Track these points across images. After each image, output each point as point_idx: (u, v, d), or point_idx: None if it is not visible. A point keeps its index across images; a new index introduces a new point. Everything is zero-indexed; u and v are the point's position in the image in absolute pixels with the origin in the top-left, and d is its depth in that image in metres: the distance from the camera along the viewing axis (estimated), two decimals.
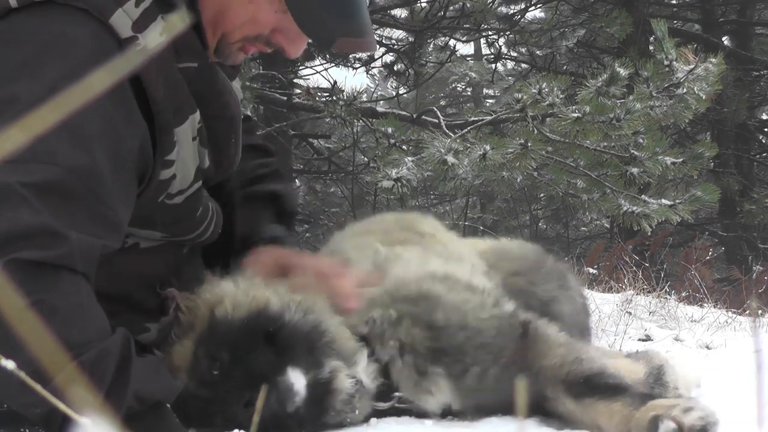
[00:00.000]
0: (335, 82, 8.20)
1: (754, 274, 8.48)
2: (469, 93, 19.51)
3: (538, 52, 12.41)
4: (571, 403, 1.98)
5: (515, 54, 13.12)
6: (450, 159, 4.92)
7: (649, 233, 6.03)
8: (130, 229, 1.93)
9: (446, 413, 2.09)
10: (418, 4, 9.89)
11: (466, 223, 10.89)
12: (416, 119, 6.62)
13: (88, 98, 0.59)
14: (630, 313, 4.42)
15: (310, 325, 1.97)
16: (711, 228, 13.23)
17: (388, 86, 13.98)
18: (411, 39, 10.10)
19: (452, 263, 2.35)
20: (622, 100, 4.99)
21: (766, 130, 14.50)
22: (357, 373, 1.97)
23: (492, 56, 12.43)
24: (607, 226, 14.08)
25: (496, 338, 2.07)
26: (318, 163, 11.11)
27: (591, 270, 7.20)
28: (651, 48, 9.10)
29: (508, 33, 11.21)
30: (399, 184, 5.11)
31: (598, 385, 1.96)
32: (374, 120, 6.96)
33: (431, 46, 10.98)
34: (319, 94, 7.73)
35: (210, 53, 2.05)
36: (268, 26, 2.03)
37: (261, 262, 2.20)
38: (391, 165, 5.29)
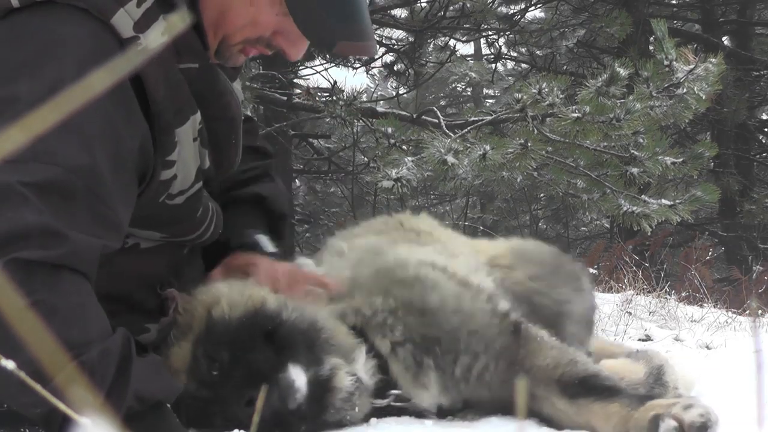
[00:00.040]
0: (335, 82, 8.19)
1: (754, 274, 8.48)
2: (469, 93, 19.51)
3: (538, 52, 12.40)
4: (565, 403, 1.98)
5: (515, 54, 13.11)
6: (450, 159, 4.92)
7: (649, 233, 6.02)
8: (130, 230, 1.93)
9: (445, 413, 2.10)
10: (418, 4, 9.89)
11: (466, 223, 10.89)
12: (416, 119, 6.62)
13: (89, 98, 0.59)
14: (630, 313, 4.43)
15: (307, 322, 1.97)
16: (711, 228, 13.22)
17: (388, 86, 13.97)
18: (411, 39, 10.09)
19: (448, 258, 2.35)
20: (622, 100, 4.99)
21: (766, 130, 14.50)
22: (356, 370, 1.97)
23: (492, 56, 12.42)
24: (607, 226, 14.08)
25: (487, 329, 2.07)
26: (318, 163, 11.11)
27: (591, 270, 7.20)
28: (651, 48, 9.09)
29: (508, 33, 11.20)
30: (399, 184, 5.10)
31: (594, 387, 1.96)
32: (374, 120, 6.96)
33: (431, 46, 10.96)
34: (319, 94, 7.73)
35: (210, 55, 2.05)
36: (269, 29, 2.03)
37: (223, 268, 2.22)
38: (391, 165, 5.28)
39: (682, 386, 2.30)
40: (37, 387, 0.77)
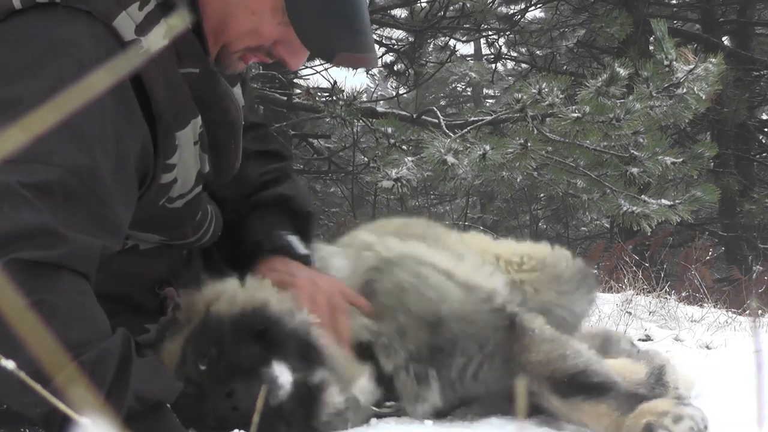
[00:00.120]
0: (335, 82, 8.19)
1: (754, 274, 8.48)
2: (469, 93, 19.51)
3: (538, 52, 12.40)
4: (557, 401, 1.99)
5: (515, 54, 13.11)
6: (450, 159, 4.93)
7: (649, 233, 6.03)
8: (129, 231, 1.92)
9: (443, 413, 2.10)
10: (418, 4, 9.89)
11: (466, 223, 10.89)
12: (416, 119, 6.62)
13: (90, 99, 0.59)
14: (630, 313, 4.43)
15: (306, 334, 1.95)
16: (711, 228, 13.23)
17: (388, 86, 13.97)
18: (411, 39, 10.09)
19: (452, 260, 2.35)
20: (622, 100, 5.00)
21: (766, 130, 14.50)
22: (353, 392, 1.95)
23: (492, 56, 12.42)
24: (607, 226, 14.08)
25: (483, 329, 2.08)
26: (318, 163, 11.10)
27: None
28: (651, 48, 9.09)
29: (508, 33, 11.21)
30: (399, 184, 5.11)
31: (583, 385, 1.97)
32: (374, 120, 6.96)
33: (431, 46, 10.97)
34: (319, 94, 7.73)
35: (211, 61, 2.05)
36: (271, 38, 2.03)
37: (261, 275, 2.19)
38: (391, 165, 5.29)
39: (682, 386, 2.30)
40: (37, 387, 0.77)
